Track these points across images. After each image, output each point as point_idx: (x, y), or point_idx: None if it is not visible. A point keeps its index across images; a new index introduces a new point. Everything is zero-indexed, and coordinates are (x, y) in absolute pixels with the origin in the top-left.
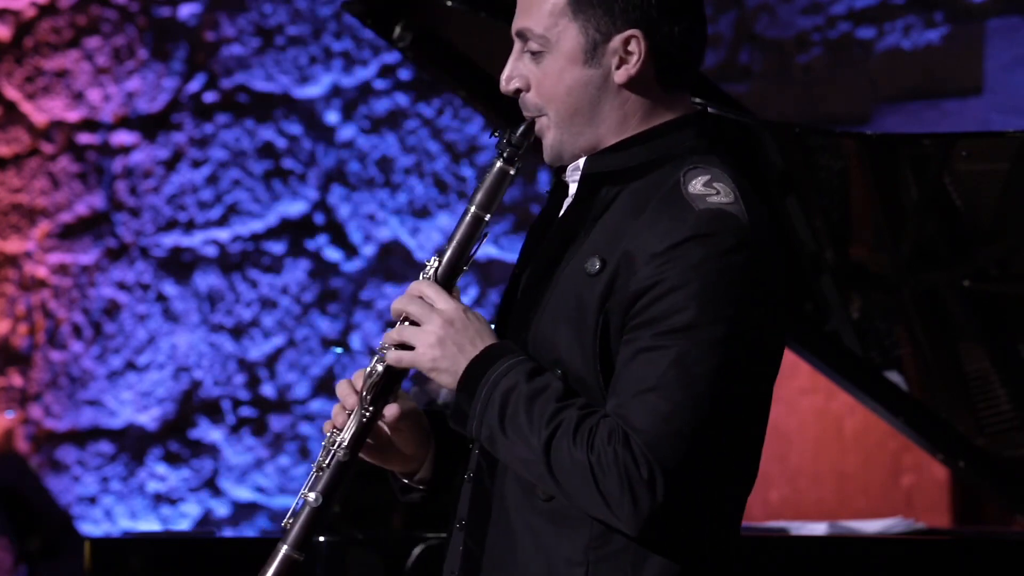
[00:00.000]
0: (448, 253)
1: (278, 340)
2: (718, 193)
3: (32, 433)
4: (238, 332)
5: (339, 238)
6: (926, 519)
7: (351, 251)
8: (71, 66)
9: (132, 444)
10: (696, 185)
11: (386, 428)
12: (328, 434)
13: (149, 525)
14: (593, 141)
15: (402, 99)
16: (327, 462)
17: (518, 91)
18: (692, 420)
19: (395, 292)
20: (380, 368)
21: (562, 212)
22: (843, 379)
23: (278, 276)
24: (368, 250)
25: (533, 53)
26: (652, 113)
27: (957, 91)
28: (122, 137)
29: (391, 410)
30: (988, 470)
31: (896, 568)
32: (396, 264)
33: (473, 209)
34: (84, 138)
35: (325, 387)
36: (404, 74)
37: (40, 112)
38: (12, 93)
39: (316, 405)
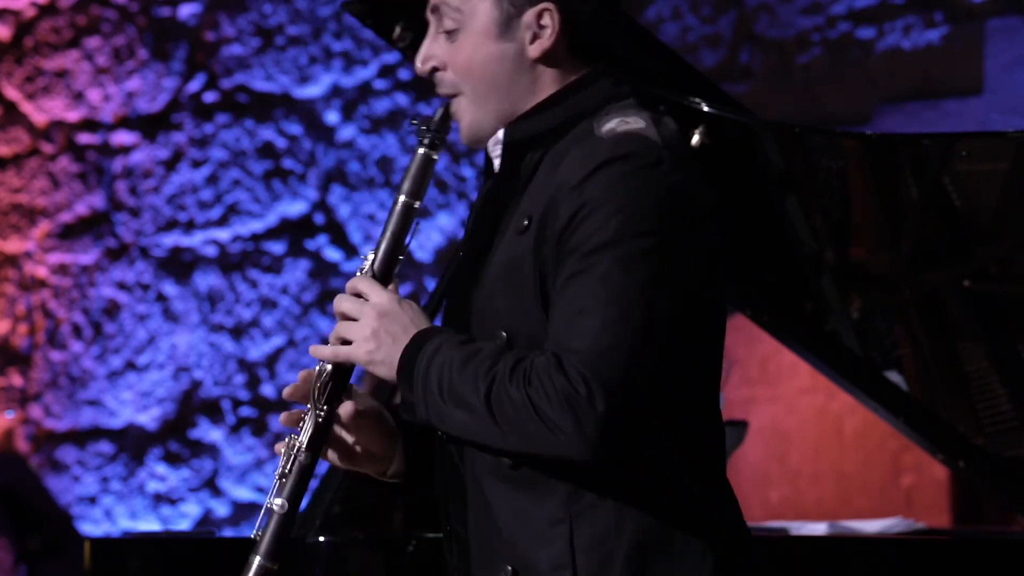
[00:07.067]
0: (383, 246)
1: (278, 340)
2: (628, 123)
3: (32, 433)
4: (238, 332)
5: (339, 238)
6: (926, 519)
7: (351, 251)
8: (71, 66)
9: (132, 444)
10: (608, 124)
11: (346, 429)
12: (286, 440)
13: (149, 525)
14: (508, 117)
15: (402, 99)
16: (289, 467)
17: (434, 70)
18: (626, 333)
19: None
20: (328, 367)
21: (491, 185)
22: (843, 379)
23: (278, 276)
24: (368, 250)
25: (448, 32)
26: (564, 82)
27: (957, 91)
28: (122, 137)
29: (346, 408)
30: (988, 470)
31: (896, 568)
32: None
33: (402, 198)
34: (84, 138)
35: None
36: (404, 74)
37: (40, 112)
38: (12, 93)
39: None
